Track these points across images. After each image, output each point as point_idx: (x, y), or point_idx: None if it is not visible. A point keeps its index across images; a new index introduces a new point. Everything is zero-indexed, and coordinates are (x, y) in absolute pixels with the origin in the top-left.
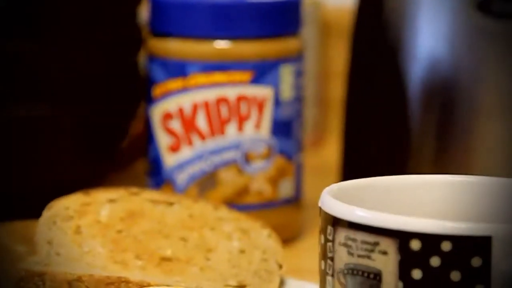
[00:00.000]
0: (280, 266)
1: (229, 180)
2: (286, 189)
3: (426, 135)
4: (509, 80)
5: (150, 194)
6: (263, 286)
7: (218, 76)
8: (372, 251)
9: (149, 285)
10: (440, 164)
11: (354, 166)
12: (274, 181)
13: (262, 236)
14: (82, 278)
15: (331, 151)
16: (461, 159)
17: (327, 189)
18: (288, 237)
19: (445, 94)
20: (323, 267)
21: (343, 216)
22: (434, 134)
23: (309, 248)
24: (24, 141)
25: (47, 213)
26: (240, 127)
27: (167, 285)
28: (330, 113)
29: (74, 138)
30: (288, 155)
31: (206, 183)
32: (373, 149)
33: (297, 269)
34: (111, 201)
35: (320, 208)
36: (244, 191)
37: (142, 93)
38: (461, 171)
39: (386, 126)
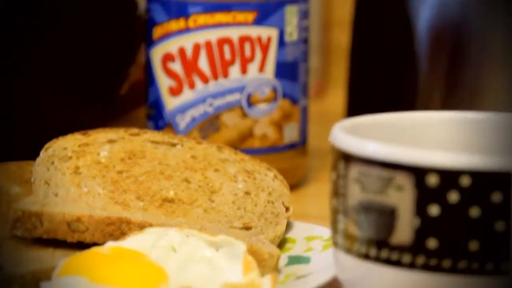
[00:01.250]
0: (287, 209)
1: (232, 123)
2: (291, 133)
3: (434, 80)
4: None
5: (151, 135)
6: (270, 228)
7: (221, 16)
8: (387, 186)
9: (150, 225)
10: (447, 108)
11: (359, 113)
12: (279, 125)
13: (268, 178)
14: (81, 218)
15: (334, 99)
16: (469, 102)
17: (338, 124)
18: (293, 183)
19: (453, 37)
20: (334, 204)
21: (356, 151)
22: (442, 79)
23: (314, 194)
24: (22, 84)
25: (44, 154)
26: (244, 69)
27: (170, 226)
28: (333, 61)
29: (73, 81)
30: (293, 98)
31: (208, 126)
32: (379, 95)
33: (302, 215)
34: (111, 141)
35: (332, 144)
36: (248, 135)
37: (141, 36)
38: None
39: (393, 71)
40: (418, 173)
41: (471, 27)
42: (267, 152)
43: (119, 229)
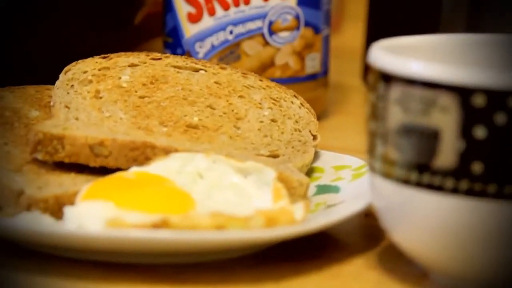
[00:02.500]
0: (315, 137)
1: (253, 52)
2: (313, 63)
3: (457, 10)
4: None
5: (173, 59)
6: (297, 157)
7: None
8: (430, 107)
9: (176, 151)
10: None
11: None
12: (301, 54)
13: (294, 105)
14: (104, 142)
15: (351, 35)
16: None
17: (376, 44)
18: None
19: None
20: (373, 128)
21: (398, 70)
22: (465, 9)
23: (336, 126)
24: (42, 8)
25: (64, 77)
26: None
27: (196, 152)
28: None
29: (89, 6)
30: (315, 27)
31: (228, 55)
32: (399, 27)
33: (326, 145)
34: (132, 65)
35: (370, 65)
36: (269, 64)
37: None
38: None
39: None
40: (463, 93)
41: None
42: (288, 82)
43: (143, 154)
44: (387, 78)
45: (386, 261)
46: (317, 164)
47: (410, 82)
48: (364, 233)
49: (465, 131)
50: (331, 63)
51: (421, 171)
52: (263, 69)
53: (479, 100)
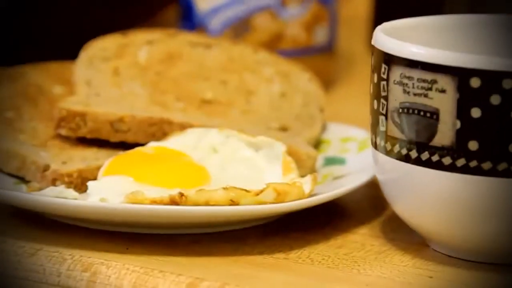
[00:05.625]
0: (322, 110)
1: (264, 25)
2: (321, 35)
3: None
4: None
5: (188, 36)
6: (305, 129)
7: None
8: (429, 89)
9: (191, 126)
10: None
11: (386, 17)
12: (309, 27)
13: (303, 80)
14: (124, 118)
15: (356, 3)
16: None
17: (379, 27)
18: (323, 84)
19: None
20: (375, 106)
21: (399, 53)
22: None
23: (344, 96)
24: None
25: (84, 54)
26: None
27: (210, 127)
28: None
29: None
30: (324, 0)
31: (240, 28)
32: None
33: (334, 115)
34: (149, 42)
35: (373, 46)
36: (279, 36)
37: None
38: None
39: None
40: (461, 76)
41: None
42: (297, 54)
43: (160, 129)
44: (389, 61)
45: (389, 231)
46: (324, 136)
47: (411, 64)
48: (369, 203)
49: (462, 111)
50: (339, 32)
51: (421, 149)
52: (273, 41)
53: (475, 83)
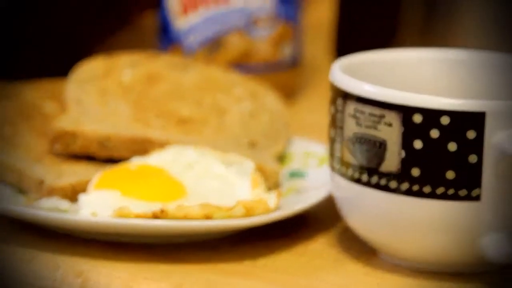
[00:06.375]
0: (286, 127)
1: (235, 44)
2: (287, 51)
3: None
4: None
5: (166, 58)
6: (272, 145)
7: None
8: (378, 122)
9: (170, 144)
10: (426, 34)
11: (348, 32)
12: (276, 44)
13: (269, 99)
14: (110, 137)
15: (319, 9)
16: (446, 31)
17: (337, 63)
18: (289, 97)
19: None
20: (332, 135)
21: (353, 90)
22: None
23: (309, 107)
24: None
25: (74, 75)
26: None
27: (187, 144)
28: None
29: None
30: (290, 19)
31: (213, 46)
32: (366, 16)
33: (298, 127)
34: (132, 64)
35: (331, 82)
36: (248, 54)
37: None
38: (446, 43)
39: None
40: (405, 112)
41: None
42: (265, 70)
43: (142, 147)
44: (344, 96)
45: (345, 240)
46: (289, 151)
47: (363, 101)
48: (327, 214)
49: (406, 142)
50: (305, 42)
51: (371, 173)
52: (243, 58)
53: (417, 119)
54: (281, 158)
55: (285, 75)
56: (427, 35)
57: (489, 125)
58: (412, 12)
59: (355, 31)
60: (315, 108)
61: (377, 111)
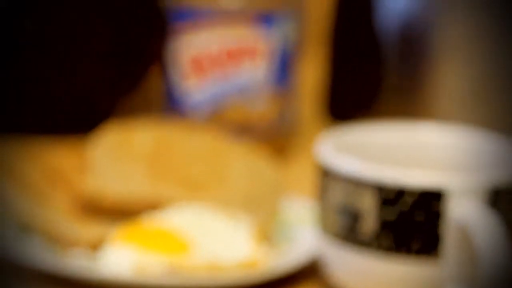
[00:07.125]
0: (279, 191)
1: (234, 112)
2: (282, 117)
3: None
4: (469, 35)
5: (175, 126)
6: (268, 208)
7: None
8: (356, 196)
9: (179, 203)
10: (407, 95)
11: (337, 93)
12: (273, 111)
13: (263, 165)
14: (126, 199)
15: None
16: (425, 100)
17: (322, 142)
18: (283, 157)
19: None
20: (320, 202)
21: (336, 169)
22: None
23: (300, 170)
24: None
25: (92, 143)
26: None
27: (194, 203)
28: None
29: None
30: (285, 87)
31: (214, 114)
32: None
33: (292, 186)
34: (145, 132)
35: (318, 160)
36: (247, 119)
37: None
38: (425, 111)
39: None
40: (380, 189)
41: (432, 36)
42: (260, 133)
43: (153, 206)
44: (328, 173)
45: None
46: (283, 213)
47: (343, 178)
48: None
49: (380, 214)
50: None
51: (350, 235)
52: (242, 123)
53: (390, 195)
54: (273, 217)
55: (280, 138)
56: (408, 96)
57: (450, 199)
58: (394, 77)
59: (345, 93)
60: (308, 170)
61: (356, 187)
